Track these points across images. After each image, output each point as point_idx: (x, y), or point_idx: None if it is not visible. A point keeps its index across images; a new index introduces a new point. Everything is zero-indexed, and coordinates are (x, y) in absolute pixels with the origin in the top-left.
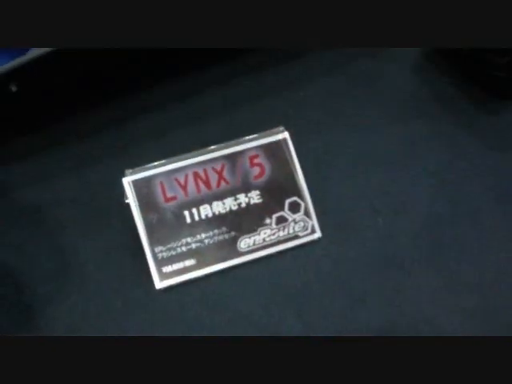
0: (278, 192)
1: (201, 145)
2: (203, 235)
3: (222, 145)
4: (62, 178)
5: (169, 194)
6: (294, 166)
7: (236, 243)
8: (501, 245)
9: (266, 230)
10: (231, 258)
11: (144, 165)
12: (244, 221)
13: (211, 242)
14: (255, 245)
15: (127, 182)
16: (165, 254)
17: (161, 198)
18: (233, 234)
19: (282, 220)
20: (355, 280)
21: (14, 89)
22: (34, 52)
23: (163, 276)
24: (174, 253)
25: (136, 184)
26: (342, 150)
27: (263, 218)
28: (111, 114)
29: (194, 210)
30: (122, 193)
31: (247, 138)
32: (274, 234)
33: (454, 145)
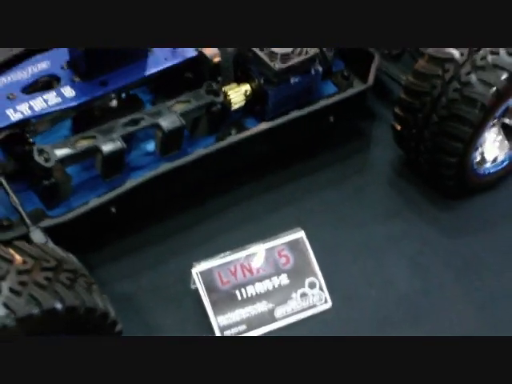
0: (300, 274)
1: (243, 244)
2: (250, 307)
3: (259, 243)
4: (144, 272)
5: (224, 279)
6: (310, 255)
7: (273, 312)
8: (462, 308)
9: (293, 302)
10: (270, 323)
11: (206, 259)
12: (278, 296)
13: (256, 312)
14: (286, 313)
15: (195, 272)
16: (225, 322)
17: (219, 283)
18: (270, 305)
19: (303, 295)
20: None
21: (113, 210)
22: (129, 183)
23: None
24: (231, 321)
25: (202, 273)
26: (344, 243)
27: (290, 294)
28: (179, 223)
29: (243, 290)
30: (191, 280)
31: (275, 237)
32: (298, 305)
33: (423, 236)
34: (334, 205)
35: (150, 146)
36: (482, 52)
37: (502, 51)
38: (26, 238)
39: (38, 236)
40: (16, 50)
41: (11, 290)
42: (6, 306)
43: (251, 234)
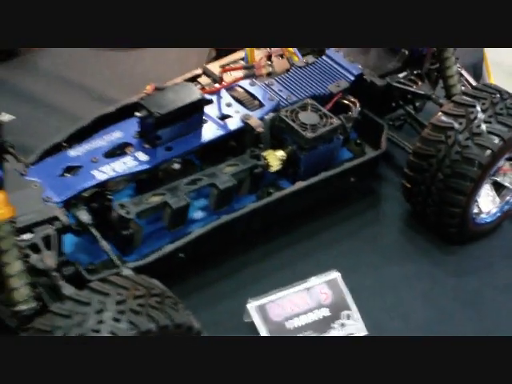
0: (338, 307)
1: (291, 282)
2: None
3: (303, 282)
4: (203, 309)
5: (275, 313)
6: (344, 292)
7: None
8: (471, 334)
9: (334, 331)
10: None
11: (259, 296)
12: (321, 326)
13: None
14: None
15: (251, 307)
16: None
17: (270, 315)
18: (315, 334)
19: (342, 325)
20: None
21: (181, 255)
22: (194, 233)
23: None
24: None
25: (256, 308)
26: (365, 282)
27: (331, 324)
28: (233, 266)
29: (291, 321)
30: (244, 314)
31: (316, 277)
32: (339, 334)
33: (432, 276)
34: (355, 251)
35: (200, 203)
36: (476, 121)
37: (493, 120)
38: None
39: (128, 273)
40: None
41: (114, 319)
42: (112, 333)
43: (296, 275)
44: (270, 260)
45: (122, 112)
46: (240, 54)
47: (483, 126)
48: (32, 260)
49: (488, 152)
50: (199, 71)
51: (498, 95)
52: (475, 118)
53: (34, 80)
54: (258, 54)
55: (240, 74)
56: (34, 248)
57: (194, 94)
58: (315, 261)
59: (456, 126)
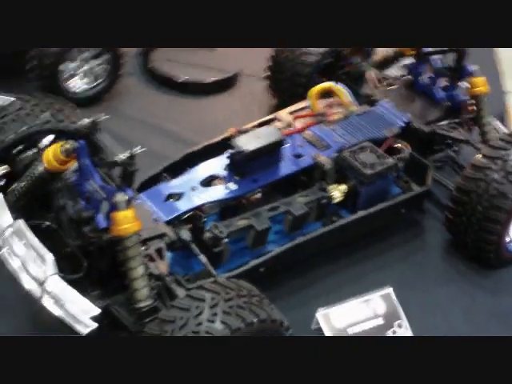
0: (390, 318)
1: (351, 295)
2: (359, 327)
3: (362, 296)
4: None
5: (339, 320)
6: (396, 305)
7: None
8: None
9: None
10: None
11: (325, 306)
12: (377, 333)
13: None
14: None
15: (319, 315)
16: None
17: (336, 323)
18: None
19: (394, 332)
20: None
21: (261, 270)
22: (274, 251)
23: None
24: None
25: (324, 316)
26: (414, 299)
27: (385, 332)
28: (300, 283)
29: (353, 328)
30: (313, 322)
31: (373, 292)
32: None
33: (472, 295)
34: (404, 273)
35: (274, 228)
36: (510, 162)
37: None
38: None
39: (215, 282)
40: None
41: (209, 320)
42: (207, 332)
43: (351, 290)
44: (333, 277)
45: (206, 150)
46: (304, 103)
47: None
48: (149, 267)
49: None
50: (272, 116)
51: None
52: (509, 159)
53: (117, 123)
54: (320, 103)
55: (308, 120)
56: (149, 258)
57: (275, 135)
58: (371, 279)
59: (493, 166)
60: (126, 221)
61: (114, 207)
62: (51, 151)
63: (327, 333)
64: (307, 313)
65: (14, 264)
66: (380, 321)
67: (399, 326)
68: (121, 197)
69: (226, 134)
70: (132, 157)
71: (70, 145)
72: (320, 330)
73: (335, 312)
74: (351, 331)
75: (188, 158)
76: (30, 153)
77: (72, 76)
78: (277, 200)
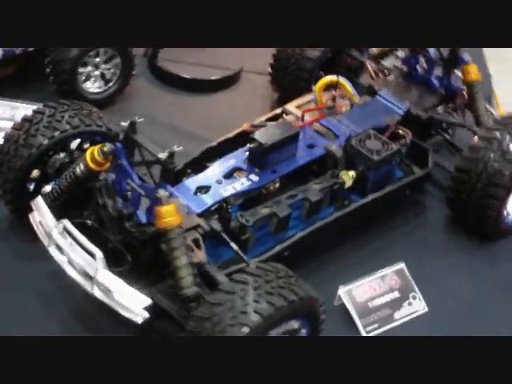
0: (405, 290)
1: (368, 272)
2: (378, 313)
3: (378, 272)
4: None
5: (360, 295)
6: (410, 279)
7: (393, 316)
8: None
9: (404, 309)
10: (391, 323)
11: (346, 284)
12: (394, 305)
13: (383, 315)
14: (400, 316)
15: (342, 292)
16: (364, 323)
17: (357, 298)
18: (390, 311)
19: (410, 303)
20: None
21: (286, 253)
22: (297, 236)
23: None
24: (367, 322)
25: (346, 292)
26: (423, 270)
27: (402, 304)
28: (319, 263)
29: (373, 302)
30: (335, 298)
31: (387, 268)
32: (407, 311)
33: (472, 265)
34: (411, 248)
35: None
36: (505, 142)
37: None
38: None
39: (253, 265)
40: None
41: (254, 301)
42: (255, 312)
43: (367, 267)
44: (347, 257)
45: (222, 145)
46: (309, 96)
47: (511, 146)
48: (190, 256)
49: None
50: (279, 111)
51: None
52: (504, 139)
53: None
54: (324, 95)
55: (318, 112)
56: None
57: (291, 128)
58: (381, 256)
59: (490, 146)
60: (169, 214)
61: (156, 202)
62: (89, 154)
63: (350, 307)
64: (328, 291)
65: (63, 260)
66: (396, 294)
67: (413, 297)
68: (163, 193)
69: (240, 129)
70: (172, 155)
71: (107, 147)
72: (342, 305)
73: (356, 288)
74: (371, 305)
75: (207, 154)
76: (58, 157)
77: (86, 80)
78: (292, 189)
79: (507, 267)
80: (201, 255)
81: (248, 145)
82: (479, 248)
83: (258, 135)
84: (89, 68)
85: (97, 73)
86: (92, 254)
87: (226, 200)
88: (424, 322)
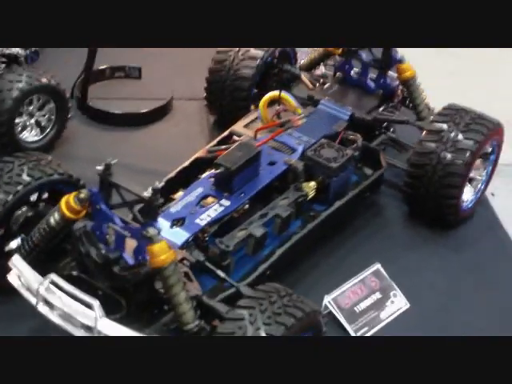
0: (386, 290)
1: (345, 275)
2: (365, 316)
3: (356, 277)
4: None
5: (345, 301)
6: (387, 278)
7: (379, 316)
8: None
9: (388, 308)
10: (380, 323)
11: (328, 291)
12: (377, 306)
13: (370, 317)
14: (387, 315)
15: (327, 301)
16: (354, 328)
17: (343, 304)
18: (376, 312)
19: (392, 302)
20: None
21: (268, 272)
22: (277, 253)
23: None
24: (357, 326)
25: (331, 301)
26: (395, 267)
27: (385, 303)
28: (300, 274)
29: (358, 306)
30: (324, 306)
31: (364, 271)
32: (391, 309)
33: (439, 253)
34: (379, 248)
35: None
36: (453, 134)
37: (461, 137)
38: (238, 292)
39: (246, 289)
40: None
41: (265, 323)
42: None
43: (344, 271)
44: (320, 266)
45: (180, 173)
46: (253, 115)
47: (460, 136)
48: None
49: (468, 153)
50: (226, 133)
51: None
52: (452, 130)
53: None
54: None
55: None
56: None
57: (252, 148)
58: (355, 258)
59: (440, 138)
60: (163, 251)
61: (146, 242)
62: (64, 203)
63: (338, 315)
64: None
65: (55, 316)
66: (378, 295)
67: (394, 295)
68: (153, 230)
69: (195, 156)
70: (156, 192)
71: (84, 194)
72: (330, 313)
73: (340, 296)
74: (357, 310)
75: (167, 185)
76: (20, 211)
77: (22, 130)
78: (259, 207)
79: (471, 251)
80: (195, 287)
81: (212, 171)
82: (442, 237)
83: (222, 160)
84: (24, 117)
85: (32, 121)
86: (87, 304)
87: (202, 229)
88: (409, 317)
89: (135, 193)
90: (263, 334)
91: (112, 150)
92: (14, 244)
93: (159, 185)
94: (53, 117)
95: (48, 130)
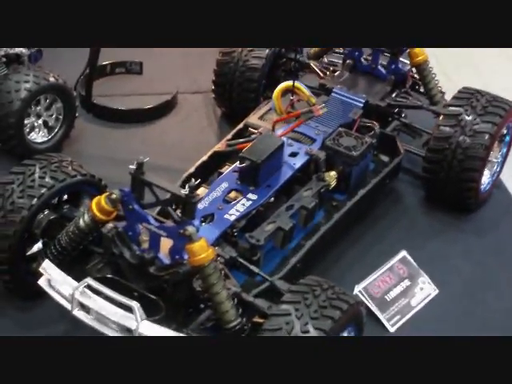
0: (414, 277)
1: (374, 262)
2: (396, 304)
3: (384, 265)
4: None
5: (376, 290)
6: (414, 264)
7: (410, 303)
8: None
9: (418, 295)
10: (411, 310)
11: (359, 280)
12: (408, 293)
13: (401, 305)
14: (417, 302)
15: (358, 290)
16: (387, 316)
17: (374, 293)
18: (407, 300)
19: (421, 289)
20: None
21: (299, 266)
22: (306, 245)
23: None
24: (389, 315)
25: (362, 290)
26: (420, 253)
27: (414, 290)
28: (328, 263)
29: (388, 295)
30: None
31: (392, 258)
32: (421, 295)
33: (461, 239)
34: (400, 236)
35: None
36: (470, 118)
37: (484, 113)
38: (272, 286)
39: (281, 283)
40: None
41: (312, 318)
42: (317, 328)
43: (373, 258)
44: (346, 256)
45: (199, 168)
46: (267, 106)
47: (478, 119)
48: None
49: (487, 135)
50: (241, 126)
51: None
52: (469, 113)
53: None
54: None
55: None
56: None
57: (275, 140)
58: (380, 247)
59: (457, 122)
60: (203, 250)
61: (183, 241)
62: (95, 204)
63: (370, 304)
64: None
65: (91, 320)
66: (407, 282)
67: (423, 282)
68: (192, 229)
69: (213, 150)
70: (192, 190)
71: (116, 194)
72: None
73: (370, 285)
74: (388, 298)
75: (188, 181)
76: (43, 215)
77: (30, 131)
78: (282, 199)
79: (492, 234)
80: (233, 284)
81: (234, 165)
82: (462, 221)
83: (247, 154)
84: (32, 118)
85: (40, 122)
86: (127, 307)
87: (231, 225)
88: (439, 304)
89: (172, 191)
90: (311, 329)
91: (122, 147)
92: (35, 248)
93: (195, 182)
94: (60, 116)
95: (56, 129)
